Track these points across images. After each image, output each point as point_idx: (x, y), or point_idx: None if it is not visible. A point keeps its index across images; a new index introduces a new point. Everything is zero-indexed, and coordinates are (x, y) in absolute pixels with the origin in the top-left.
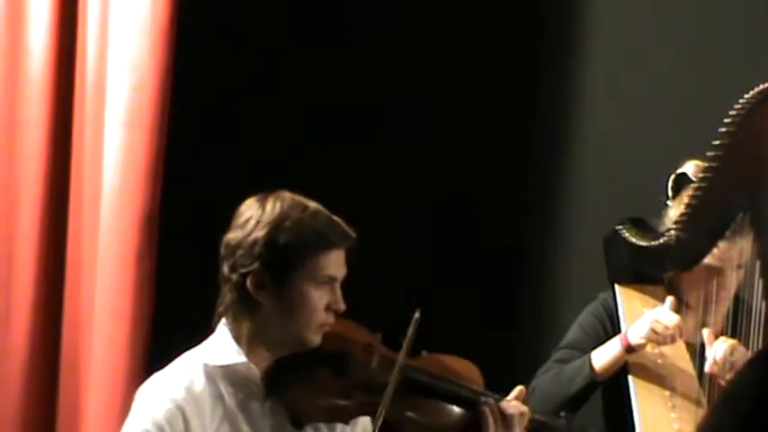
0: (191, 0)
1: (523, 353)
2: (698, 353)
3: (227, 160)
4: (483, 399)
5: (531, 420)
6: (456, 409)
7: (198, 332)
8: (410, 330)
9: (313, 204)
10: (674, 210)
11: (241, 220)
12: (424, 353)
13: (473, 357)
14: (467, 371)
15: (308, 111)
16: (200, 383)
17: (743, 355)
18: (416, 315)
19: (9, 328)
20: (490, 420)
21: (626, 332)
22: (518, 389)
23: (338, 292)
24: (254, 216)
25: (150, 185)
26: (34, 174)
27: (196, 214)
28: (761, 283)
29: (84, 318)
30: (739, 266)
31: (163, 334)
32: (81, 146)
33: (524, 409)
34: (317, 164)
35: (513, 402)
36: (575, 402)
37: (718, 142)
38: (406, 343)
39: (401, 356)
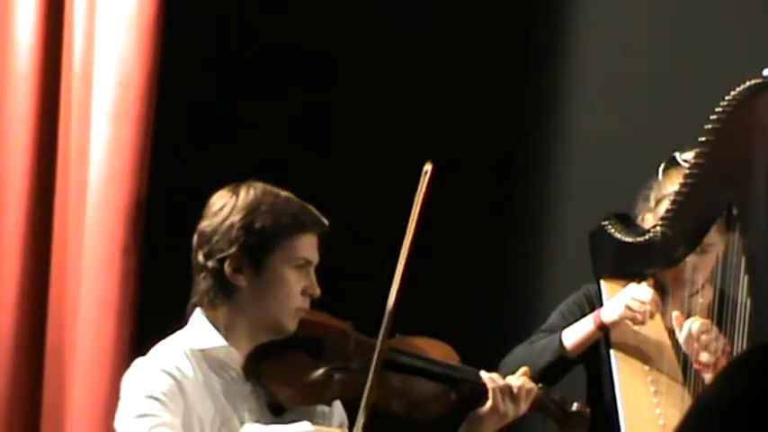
0: None
1: (509, 348)
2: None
3: (214, 154)
4: (488, 375)
5: None
6: (438, 385)
7: (183, 324)
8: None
9: (285, 192)
10: (652, 195)
11: (215, 208)
12: (398, 335)
13: (460, 351)
14: (442, 351)
15: (296, 106)
16: (186, 367)
17: (716, 335)
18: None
19: None
20: (498, 395)
21: (599, 310)
22: (524, 368)
23: (313, 277)
24: (228, 204)
25: (136, 179)
26: (20, 167)
27: (182, 207)
28: (746, 279)
29: (70, 310)
30: (704, 250)
31: (148, 326)
32: (67, 140)
33: (532, 385)
34: (302, 158)
35: (521, 378)
36: (544, 377)
37: (704, 139)
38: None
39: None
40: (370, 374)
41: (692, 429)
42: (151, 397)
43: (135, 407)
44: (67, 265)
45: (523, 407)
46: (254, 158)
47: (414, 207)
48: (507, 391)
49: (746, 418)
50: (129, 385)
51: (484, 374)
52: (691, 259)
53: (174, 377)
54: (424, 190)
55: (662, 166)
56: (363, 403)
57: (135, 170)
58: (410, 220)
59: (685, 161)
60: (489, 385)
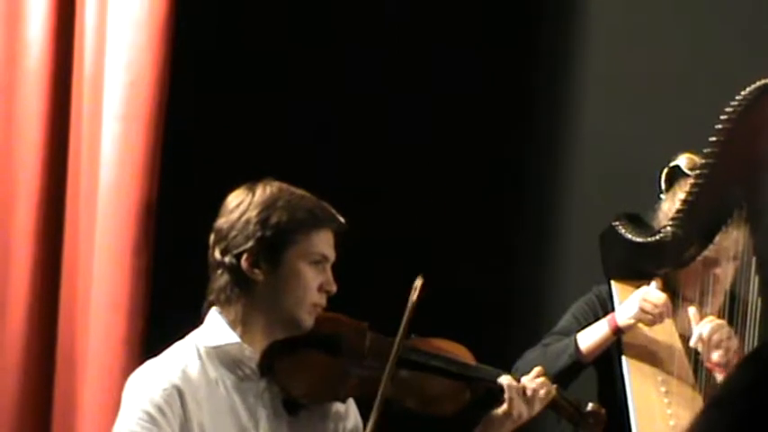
0: None
1: (519, 350)
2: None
3: (224, 154)
4: (501, 374)
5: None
6: (453, 383)
7: (194, 325)
8: (410, 303)
9: (301, 190)
10: (667, 203)
11: (231, 205)
12: (413, 336)
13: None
14: (458, 352)
15: (307, 105)
16: (194, 367)
17: (729, 335)
18: (415, 292)
19: (5, 320)
20: (515, 395)
21: (614, 314)
22: (538, 369)
23: (330, 273)
24: (244, 201)
25: (147, 179)
26: (31, 167)
27: (192, 207)
28: (756, 279)
29: (81, 311)
30: (734, 258)
31: (159, 327)
32: (78, 139)
33: (549, 387)
34: (313, 157)
35: (538, 380)
36: (559, 380)
37: (714, 139)
38: (406, 315)
39: (403, 327)
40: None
41: (708, 418)
42: (145, 411)
43: (128, 421)
44: (78, 264)
45: (537, 408)
46: (265, 158)
47: (405, 317)
48: (522, 392)
49: (758, 408)
50: (128, 393)
51: (503, 377)
52: (725, 267)
53: (174, 385)
54: (414, 302)
55: (664, 175)
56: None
57: (145, 170)
58: (400, 329)
59: (690, 169)
60: (507, 387)
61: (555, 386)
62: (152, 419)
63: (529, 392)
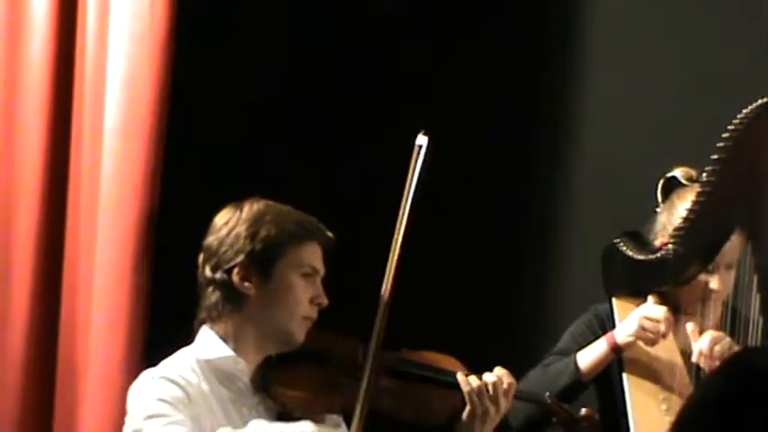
0: (189, 11)
1: (520, 368)
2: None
3: (225, 169)
4: (462, 378)
5: (517, 392)
6: (447, 392)
7: (193, 342)
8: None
9: (286, 206)
10: (664, 215)
11: (219, 223)
12: (404, 350)
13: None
14: (449, 362)
15: (308, 118)
16: (193, 378)
17: (730, 346)
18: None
19: (6, 336)
20: (474, 397)
21: (613, 332)
22: (498, 368)
23: (320, 286)
24: (232, 218)
25: (147, 195)
26: (32, 182)
27: (193, 223)
28: (758, 297)
29: (81, 326)
30: (730, 266)
31: (158, 343)
32: (79, 155)
33: (510, 379)
34: (311, 173)
35: (497, 375)
36: (560, 400)
37: (716, 156)
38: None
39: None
40: (365, 377)
41: (688, 420)
42: (161, 400)
43: (145, 410)
44: (78, 280)
45: (503, 405)
46: (266, 171)
47: (407, 187)
48: (483, 391)
49: (720, 422)
50: (136, 393)
51: (459, 377)
52: (723, 275)
53: (180, 386)
54: (418, 168)
55: (660, 186)
56: (358, 410)
57: (146, 185)
58: (403, 201)
59: (689, 180)
60: (464, 388)
61: (547, 394)
62: (171, 405)
63: (489, 388)
